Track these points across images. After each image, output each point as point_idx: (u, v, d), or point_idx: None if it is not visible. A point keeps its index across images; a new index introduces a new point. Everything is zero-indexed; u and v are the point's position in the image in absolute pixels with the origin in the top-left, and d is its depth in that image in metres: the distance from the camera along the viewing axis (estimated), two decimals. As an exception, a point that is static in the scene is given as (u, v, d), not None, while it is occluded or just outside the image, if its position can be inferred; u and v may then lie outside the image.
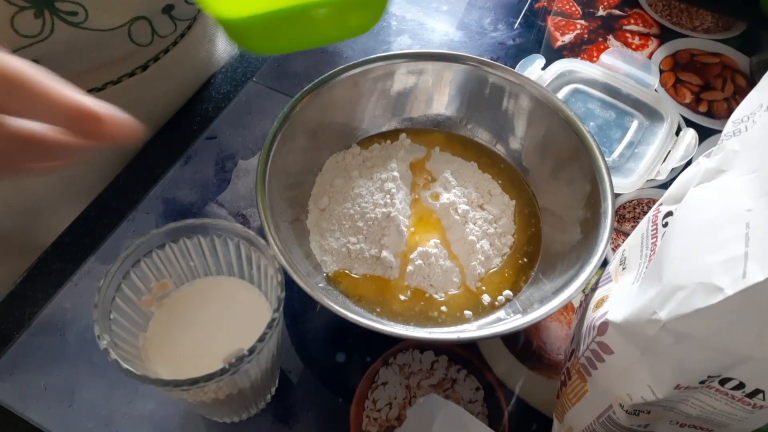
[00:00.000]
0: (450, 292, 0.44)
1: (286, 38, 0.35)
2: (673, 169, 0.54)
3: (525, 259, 0.46)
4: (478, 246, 0.45)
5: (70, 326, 0.44)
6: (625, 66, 0.63)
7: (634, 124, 0.57)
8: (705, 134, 0.57)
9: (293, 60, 0.61)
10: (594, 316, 0.34)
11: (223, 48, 0.61)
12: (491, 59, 0.49)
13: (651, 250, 0.31)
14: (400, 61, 0.49)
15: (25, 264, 0.47)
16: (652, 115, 0.58)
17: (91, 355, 0.43)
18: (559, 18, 0.67)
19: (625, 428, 0.33)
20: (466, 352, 0.44)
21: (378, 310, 0.43)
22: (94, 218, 0.49)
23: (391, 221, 0.45)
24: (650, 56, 0.64)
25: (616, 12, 0.68)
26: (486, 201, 0.48)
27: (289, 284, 0.36)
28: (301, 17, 0.33)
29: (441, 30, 0.66)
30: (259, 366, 0.35)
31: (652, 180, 0.54)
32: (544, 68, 0.61)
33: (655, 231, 0.32)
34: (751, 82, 0.62)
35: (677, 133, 0.57)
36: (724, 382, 0.27)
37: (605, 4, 0.69)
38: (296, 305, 0.46)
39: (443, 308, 0.44)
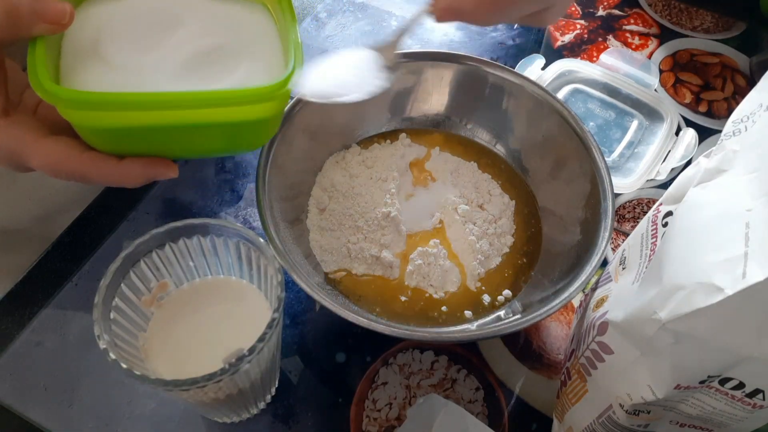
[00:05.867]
0: (450, 292, 0.44)
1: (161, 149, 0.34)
2: (672, 169, 0.54)
3: (525, 259, 0.46)
4: (477, 246, 0.45)
5: (70, 326, 0.44)
6: (625, 66, 0.63)
7: (634, 124, 0.57)
8: (705, 134, 0.57)
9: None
10: (594, 316, 0.34)
11: None
12: (491, 59, 0.49)
13: (651, 250, 0.31)
14: (400, 62, 0.49)
15: (40, 254, 0.47)
16: (652, 115, 0.58)
17: (91, 355, 0.43)
18: (559, 18, 0.67)
19: (625, 428, 0.33)
20: (466, 352, 0.44)
21: (378, 310, 0.43)
22: (94, 218, 0.49)
23: (391, 221, 0.45)
24: (650, 56, 0.64)
25: (616, 12, 0.68)
26: (486, 201, 0.48)
27: (289, 284, 0.36)
28: (154, 134, 0.33)
29: (441, 30, 0.66)
30: (259, 366, 0.35)
31: (651, 180, 0.54)
32: (544, 68, 0.61)
33: (654, 231, 0.32)
34: (751, 82, 0.62)
35: (677, 133, 0.57)
36: (724, 381, 0.27)
37: (605, 4, 0.69)
38: (296, 305, 0.46)
39: (443, 308, 0.44)
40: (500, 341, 0.45)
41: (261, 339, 0.32)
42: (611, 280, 0.35)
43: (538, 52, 0.63)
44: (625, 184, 0.53)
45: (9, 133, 0.32)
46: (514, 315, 0.42)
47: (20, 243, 0.51)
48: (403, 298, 0.44)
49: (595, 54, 0.64)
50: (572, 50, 0.64)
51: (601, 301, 0.35)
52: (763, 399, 0.27)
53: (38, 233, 0.51)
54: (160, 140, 0.33)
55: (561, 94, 0.59)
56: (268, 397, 0.41)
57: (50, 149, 0.32)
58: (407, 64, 0.49)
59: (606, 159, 0.45)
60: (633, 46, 0.65)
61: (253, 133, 0.36)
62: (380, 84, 0.37)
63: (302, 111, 0.46)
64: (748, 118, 0.30)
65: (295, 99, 0.46)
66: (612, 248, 0.50)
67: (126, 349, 0.34)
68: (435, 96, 0.51)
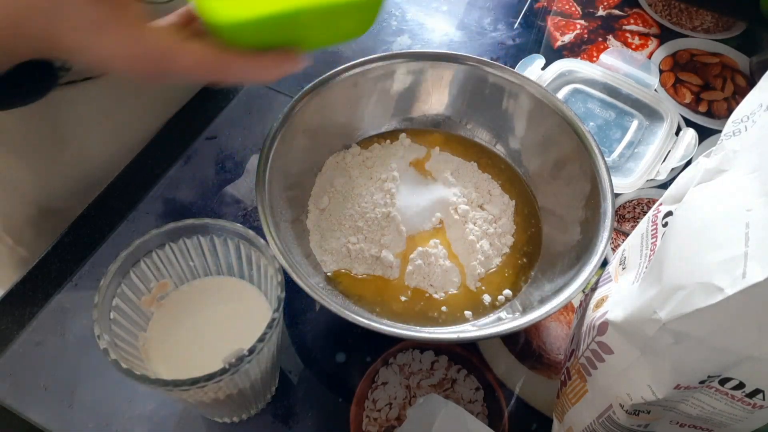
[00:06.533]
0: (450, 292, 0.44)
1: (273, 39, 0.35)
2: (673, 169, 0.54)
3: (525, 259, 0.46)
4: (477, 246, 0.45)
5: (70, 326, 0.44)
6: (625, 66, 0.63)
7: (634, 124, 0.57)
8: (705, 134, 0.57)
9: (293, 60, 0.61)
10: (594, 316, 0.34)
11: None
12: (491, 59, 0.49)
13: (651, 250, 0.31)
14: (400, 61, 0.49)
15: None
16: (652, 115, 0.58)
17: (91, 355, 0.43)
18: (559, 18, 0.67)
19: (625, 428, 0.33)
20: (466, 352, 0.44)
21: (378, 310, 0.43)
22: (94, 218, 0.49)
23: (391, 221, 0.45)
24: (650, 56, 0.64)
25: (616, 12, 0.68)
26: (486, 201, 0.48)
27: (289, 284, 0.36)
28: (289, 21, 0.34)
29: (441, 30, 0.66)
30: (259, 366, 0.35)
31: (652, 180, 0.54)
32: (544, 68, 0.61)
33: (654, 231, 0.32)
34: (751, 82, 0.62)
35: (677, 133, 0.57)
36: (724, 381, 0.27)
37: (605, 4, 0.69)
38: (296, 305, 0.46)
39: (443, 308, 0.44)
40: (500, 341, 0.45)
41: (261, 339, 0.32)
42: (611, 280, 0.35)
43: (538, 52, 0.63)
44: (625, 184, 0.53)
45: (160, 35, 0.33)
46: (514, 315, 0.42)
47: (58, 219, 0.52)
48: (403, 298, 0.44)
49: (595, 54, 0.64)
50: (572, 50, 0.64)
51: (601, 301, 0.35)
52: (763, 399, 0.27)
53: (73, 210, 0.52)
54: (291, 30, 0.35)
55: (561, 94, 0.59)
56: (268, 397, 0.41)
57: (195, 50, 0.33)
58: (407, 64, 0.49)
59: (606, 159, 0.45)
60: (633, 46, 0.65)
61: (362, 14, 0.37)
62: None
63: (302, 111, 0.46)
64: (748, 118, 0.30)
65: (294, 99, 0.46)
66: (612, 248, 0.50)
67: (126, 349, 0.34)
68: (435, 96, 0.51)
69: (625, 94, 0.60)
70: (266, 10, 0.33)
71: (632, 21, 0.67)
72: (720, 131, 0.32)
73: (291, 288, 0.43)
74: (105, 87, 0.50)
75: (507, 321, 0.41)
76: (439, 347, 0.44)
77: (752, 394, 0.27)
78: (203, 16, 0.32)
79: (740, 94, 0.61)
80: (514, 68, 0.52)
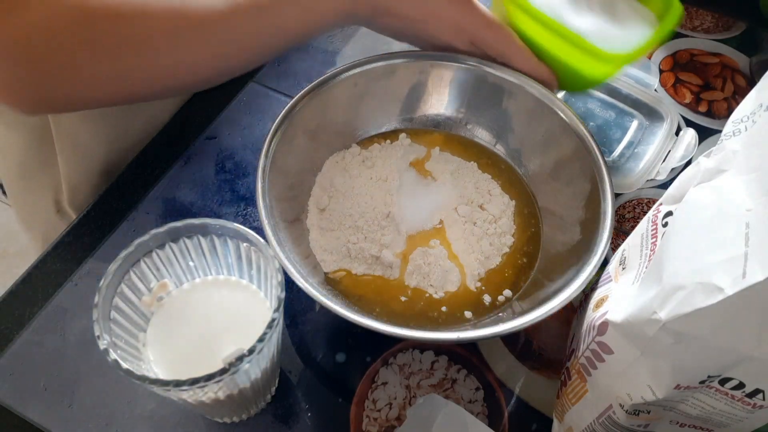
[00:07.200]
0: (450, 292, 0.44)
1: None
2: (673, 169, 0.54)
3: (525, 259, 0.46)
4: (478, 246, 0.45)
5: (70, 326, 0.44)
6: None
7: (634, 124, 0.57)
8: (705, 134, 0.57)
9: (293, 60, 0.61)
10: (594, 316, 0.34)
11: None
12: (491, 59, 0.49)
13: (651, 250, 0.31)
14: (400, 61, 0.49)
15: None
16: (652, 115, 0.58)
17: (91, 355, 0.43)
18: (559, 18, 0.67)
19: (625, 428, 0.33)
20: (466, 352, 0.44)
21: (378, 310, 0.43)
22: (94, 218, 0.49)
23: (391, 221, 0.45)
24: (650, 56, 0.64)
25: (616, 12, 0.68)
26: (486, 201, 0.48)
27: (289, 284, 0.36)
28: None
29: (441, 30, 0.65)
30: (259, 366, 0.35)
31: (652, 180, 0.54)
32: (544, 68, 0.61)
33: (654, 231, 0.32)
34: (751, 82, 0.62)
35: (677, 133, 0.57)
36: (724, 381, 0.27)
37: (605, 4, 0.69)
38: (296, 305, 0.46)
39: (443, 308, 0.44)
40: (500, 341, 0.45)
41: (261, 339, 0.32)
42: (611, 280, 0.35)
43: (538, 52, 0.63)
44: (625, 184, 0.53)
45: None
46: (514, 315, 0.42)
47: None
48: (402, 298, 0.44)
49: (595, 54, 0.63)
50: (572, 50, 0.64)
51: (601, 301, 0.35)
52: (763, 399, 0.27)
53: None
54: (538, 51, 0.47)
55: (561, 94, 0.59)
56: (268, 397, 0.41)
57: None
58: (407, 64, 0.49)
59: (606, 159, 0.45)
60: (633, 46, 0.64)
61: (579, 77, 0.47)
62: None
63: (302, 111, 0.46)
64: (748, 118, 0.30)
65: (294, 99, 0.46)
66: (612, 248, 0.50)
67: (126, 350, 0.34)
68: (435, 96, 0.51)
69: (625, 94, 0.60)
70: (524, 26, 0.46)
71: (632, 21, 0.67)
72: (720, 131, 0.32)
73: (291, 288, 0.43)
74: None
75: (507, 321, 0.41)
76: (439, 347, 0.44)
77: (752, 394, 0.27)
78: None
79: (740, 94, 0.61)
80: (514, 68, 0.52)
